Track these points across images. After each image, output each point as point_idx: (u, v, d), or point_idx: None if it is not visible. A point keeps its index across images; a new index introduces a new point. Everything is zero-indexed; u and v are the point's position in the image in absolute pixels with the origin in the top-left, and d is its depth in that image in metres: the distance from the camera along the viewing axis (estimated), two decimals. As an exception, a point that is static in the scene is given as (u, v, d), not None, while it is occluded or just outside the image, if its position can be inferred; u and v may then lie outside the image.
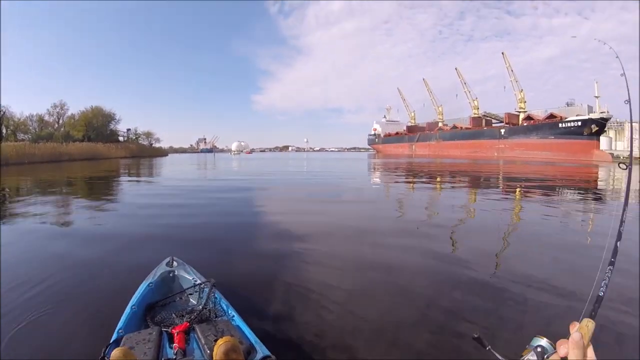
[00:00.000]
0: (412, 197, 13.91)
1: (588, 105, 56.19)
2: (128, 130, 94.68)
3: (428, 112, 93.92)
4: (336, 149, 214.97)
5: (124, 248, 6.63)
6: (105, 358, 2.36)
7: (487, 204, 11.20)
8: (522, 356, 1.10)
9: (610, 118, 51.64)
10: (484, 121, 74.64)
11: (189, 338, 2.75)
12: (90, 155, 62.29)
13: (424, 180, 20.37)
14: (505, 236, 7.28)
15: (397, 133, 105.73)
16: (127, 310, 3.14)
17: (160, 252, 5.11)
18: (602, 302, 1.15)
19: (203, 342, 2.56)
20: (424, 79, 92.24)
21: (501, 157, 59.26)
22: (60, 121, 75.66)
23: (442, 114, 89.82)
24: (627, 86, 2.55)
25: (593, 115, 51.29)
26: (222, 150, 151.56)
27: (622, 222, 1.65)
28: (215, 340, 2.40)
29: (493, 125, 72.84)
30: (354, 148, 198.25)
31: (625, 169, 2.03)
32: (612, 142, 53.85)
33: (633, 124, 47.52)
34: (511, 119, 67.13)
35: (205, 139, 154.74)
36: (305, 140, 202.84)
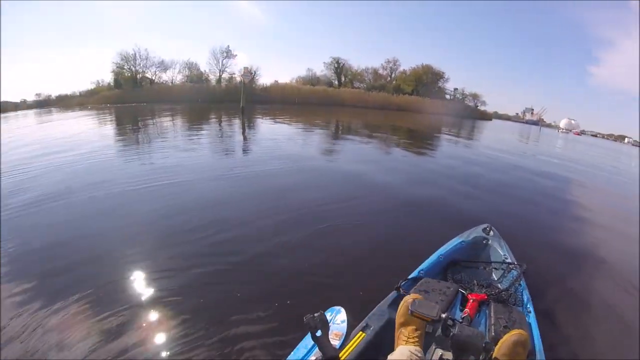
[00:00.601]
0: None
1: None
2: (455, 89, 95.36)
3: None
4: None
5: (442, 200, 7.21)
6: (400, 289, 2.76)
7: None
8: None
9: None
10: None
11: (479, 311, 2.75)
12: (416, 108, 64.84)
13: None
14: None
15: None
16: (434, 256, 3.40)
17: (475, 216, 5.61)
18: None
19: (492, 321, 2.53)
20: None
21: None
22: (393, 75, 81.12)
23: None
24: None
25: None
26: (548, 125, 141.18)
27: None
28: (505, 327, 2.42)
29: None
30: None
31: None
32: None
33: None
34: None
35: (532, 109, 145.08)
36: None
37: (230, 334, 3.13)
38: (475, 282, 3.11)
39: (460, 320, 2.27)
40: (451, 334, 1.99)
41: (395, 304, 2.49)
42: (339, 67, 71.52)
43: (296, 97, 49.13)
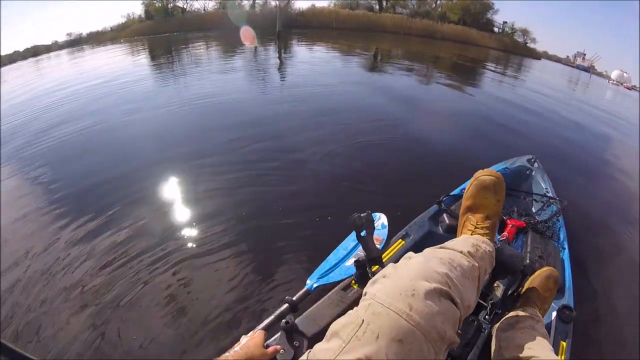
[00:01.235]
0: None
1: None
2: (504, 22, 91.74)
3: None
4: None
5: (490, 128, 7.57)
6: (442, 203, 2.94)
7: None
8: None
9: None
10: None
11: (517, 237, 2.81)
12: (462, 38, 62.05)
13: None
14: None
15: None
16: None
17: (517, 147, 5.88)
18: None
19: (528, 249, 2.62)
20: None
21: None
22: (439, 1, 77.59)
23: None
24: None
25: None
26: (599, 74, 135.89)
27: None
28: (540, 257, 2.56)
29: None
30: None
31: None
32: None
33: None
34: None
35: (585, 54, 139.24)
36: None
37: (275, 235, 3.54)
38: (515, 209, 3.19)
39: (497, 244, 2.02)
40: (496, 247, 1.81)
41: (435, 218, 2.77)
42: None
43: (334, 21, 47.08)
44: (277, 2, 32.05)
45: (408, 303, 1.08)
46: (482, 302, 2.00)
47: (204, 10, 52.64)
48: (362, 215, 1.92)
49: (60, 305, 2.90)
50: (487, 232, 1.75)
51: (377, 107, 7.81)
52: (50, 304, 2.91)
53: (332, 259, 2.43)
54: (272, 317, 1.94)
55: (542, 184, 3.78)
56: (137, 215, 3.92)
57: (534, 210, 3.42)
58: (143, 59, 19.69)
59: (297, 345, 1.74)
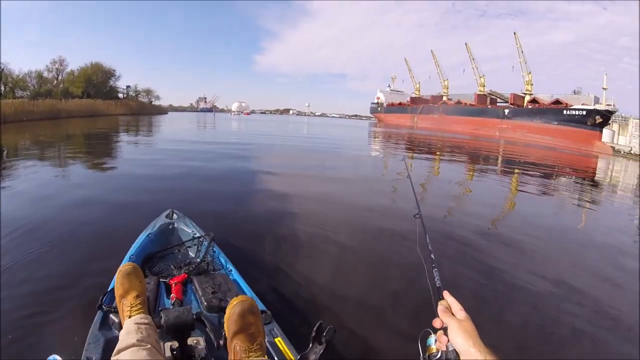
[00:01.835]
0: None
1: (595, 96, 55.08)
2: (128, 87, 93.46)
3: (433, 85, 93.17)
4: (337, 115, 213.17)
5: (122, 201, 6.91)
6: (103, 306, 2.42)
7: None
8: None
9: (616, 112, 50.60)
10: (488, 99, 73.32)
11: (186, 290, 2.82)
12: (89, 112, 61.29)
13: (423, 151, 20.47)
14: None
15: (400, 103, 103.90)
16: (125, 259, 3.16)
17: (158, 205, 5.18)
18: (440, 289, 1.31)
19: (200, 293, 2.63)
20: (432, 51, 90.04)
21: (502, 137, 58.89)
22: (60, 77, 74.19)
23: (447, 88, 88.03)
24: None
25: (599, 107, 50.25)
26: (222, 110, 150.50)
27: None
28: (214, 292, 2.61)
29: (497, 104, 71.60)
30: (356, 115, 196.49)
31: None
32: (614, 136, 52.73)
33: (636, 120, 47.31)
34: (516, 100, 65.90)
35: (205, 98, 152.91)
36: (307, 104, 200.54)
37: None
38: (172, 266, 3.16)
39: (171, 306, 2.45)
40: (162, 323, 2.06)
41: (105, 324, 2.34)
42: None
43: None
44: None
45: None
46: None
47: None
48: None
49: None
50: (140, 307, 2.07)
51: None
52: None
53: None
54: None
55: (187, 229, 3.88)
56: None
57: (192, 255, 3.51)
58: None
59: None
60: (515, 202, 9.07)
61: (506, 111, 65.34)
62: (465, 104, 77.79)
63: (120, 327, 2.07)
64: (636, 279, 4.66)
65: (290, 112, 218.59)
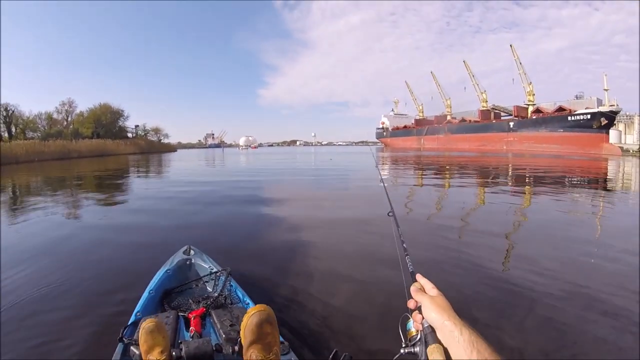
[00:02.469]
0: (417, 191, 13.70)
1: (597, 98, 55.10)
2: (136, 126, 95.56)
3: (436, 105, 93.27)
4: (344, 143, 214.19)
5: (139, 239, 6.87)
6: (124, 338, 2.44)
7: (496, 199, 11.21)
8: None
9: (620, 111, 50.79)
10: (492, 114, 73.67)
11: (204, 323, 2.83)
12: (99, 152, 62.88)
13: (432, 172, 20.37)
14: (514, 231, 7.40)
15: (405, 126, 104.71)
16: (145, 294, 3.24)
17: (174, 242, 5.21)
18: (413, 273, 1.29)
19: (219, 326, 2.63)
20: (431, 72, 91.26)
21: (510, 150, 58.66)
22: (69, 119, 76.76)
23: (451, 107, 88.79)
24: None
25: (602, 108, 50.44)
26: (230, 145, 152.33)
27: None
28: (231, 325, 2.59)
29: (502, 118, 71.88)
30: (362, 142, 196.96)
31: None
32: (621, 136, 52.62)
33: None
34: (520, 112, 66.01)
35: (213, 134, 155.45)
36: (313, 134, 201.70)
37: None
38: (190, 301, 3.22)
39: (190, 339, 2.49)
40: (182, 354, 2.15)
41: (126, 355, 2.39)
42: (8, 116, 63.00)
43: None
44: None
45: None
46: None
47: None
48: None
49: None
50: (162, 350, 2.10)
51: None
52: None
53: None
54: None
55: (205, 265, 3.93)
56: None
57: (209, 289, 3.56)
58: None
59: None
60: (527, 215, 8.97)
61: (511, 124, 65.50)
62: (470, 120, 78.11)
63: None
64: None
65: (297, 143, 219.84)
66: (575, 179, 16.78)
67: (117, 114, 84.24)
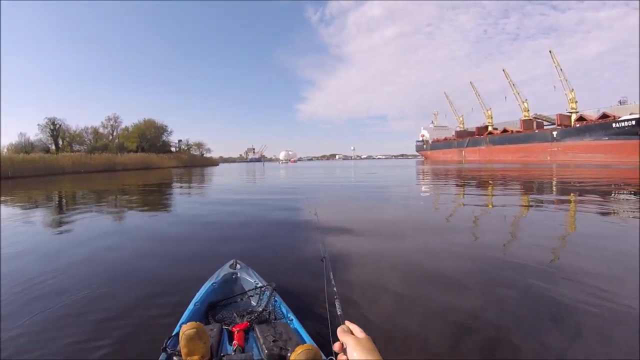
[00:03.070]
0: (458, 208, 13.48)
1: (641, 103, 52.73)
2: (179, 141, 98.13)
3: (477, 116, 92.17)
4: (384, 156, 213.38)
5: (186, 252, 6.93)
6: (167, 348, 2.48)
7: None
8: None
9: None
10: (535, 123, 72.27)
11: (247, 337, 2.84)
12: (143, 165, 65.30)
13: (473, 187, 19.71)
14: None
15: (445, 139, 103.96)
16: (190, 306, 3.32)
17: (221, 256, 5.37)
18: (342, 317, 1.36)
19: (262, 341, 2.64)
20: (471, 82, 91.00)
21: (553, 161, 56.77)
22: (115, 133, 79.98)
23: (492, 117, 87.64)
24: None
25: (647, 113, 48.13)
26: (270, 160, 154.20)
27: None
28: (275, 341, 2.60)
29: (544, 127, 70.24)
30: (402, 155, 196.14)
31: None
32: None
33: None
34: (563, 121, 64.40)
35: (253, 148, 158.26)
36: (352, 148, 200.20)
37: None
38: (235, 314, 3.22)
39: (233, 353, 2.53)
40: None
41: None
42: (56, 129, 66.53)
43: (9, 170, 39.95)
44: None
45: None
46: None
47: None
48: None
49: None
50: (202, 356, 2.18)
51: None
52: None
53: None
54: None
55: (250, 279, 3.97)
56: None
57: (253, 303, 3.57)
58: None
59: None
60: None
61: (554, 133, 63.80)
62: (512, 131, 76.81)
63: None
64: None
65: (337, 157, 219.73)
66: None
67: (161, 129, 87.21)
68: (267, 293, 3.48)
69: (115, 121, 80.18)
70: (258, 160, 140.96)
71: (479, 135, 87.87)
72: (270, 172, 49.87)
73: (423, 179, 26.39)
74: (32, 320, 3.84)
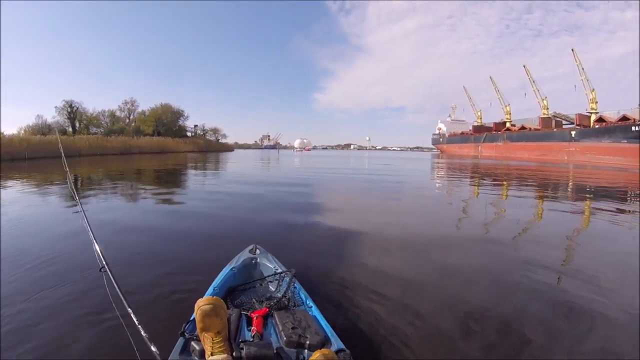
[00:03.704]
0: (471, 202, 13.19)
1: (665, 107, 51.29)
2: (195, 126, 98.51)
3: (495, 112, 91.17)
4: (398, 148, 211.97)
5: (207, 235, 7.02)
6: (185, 333, 2.49)
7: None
8: None
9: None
10: (553, 122, 71.06)
11: (266, 323, 2.85)
12: (159, 149, 65.81)
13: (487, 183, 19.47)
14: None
15: (462, 133, 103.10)
16: (209, 291, 3.32)
17: (240, 241, 5.21)
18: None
19: (280, 328, 2.66)
20: (490, 77, 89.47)
21: (571, 161, 55.74)
22: (131, 117, 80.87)
23: (510, 113, 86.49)
24: None
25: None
26: (284, 147, 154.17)
27: None
28: (293, 328, 2.63)
29: (563, 127, 68.93)
30: (417, 148, 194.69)
31: None
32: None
33: None
34: (582, 121, 62.96)
35: (269, 135, 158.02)
36: (367, 138, 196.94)
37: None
38: (254, 300, 3.24)
39: (251, 339, 2.50)
40: (243, 355, 2.19)
41: (185, 350, 2.41)
42: (73, 112, 67.41)
43: (26, 151, 39.75)
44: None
45: None
46: None
47: None
48: None
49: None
50: (221, 344, 2.20)
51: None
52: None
53: None
54: None
55: (270, 265, 3.96)
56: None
57: (273, 289, 3.58)
58: None
59: None
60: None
61: (573, 133, 62.74)
62: (530, 128, 75.79)
63: (200, 355, 2.28)
64: None
65: (352, 146, 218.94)
66: None
67: (178, 114, 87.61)
68: (287, 279, 3.49)
69: (132, 105, 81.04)
70: (273, 147, 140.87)
71: (496, 131, 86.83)
72: (286, 159, 49.94)
73: (437, 175, 26.22)
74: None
